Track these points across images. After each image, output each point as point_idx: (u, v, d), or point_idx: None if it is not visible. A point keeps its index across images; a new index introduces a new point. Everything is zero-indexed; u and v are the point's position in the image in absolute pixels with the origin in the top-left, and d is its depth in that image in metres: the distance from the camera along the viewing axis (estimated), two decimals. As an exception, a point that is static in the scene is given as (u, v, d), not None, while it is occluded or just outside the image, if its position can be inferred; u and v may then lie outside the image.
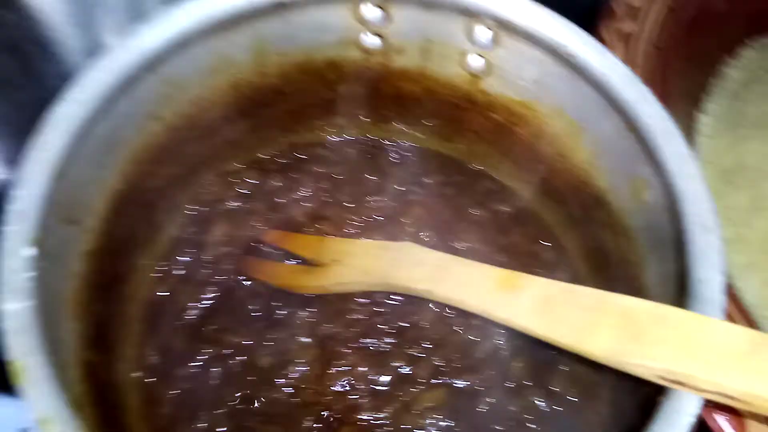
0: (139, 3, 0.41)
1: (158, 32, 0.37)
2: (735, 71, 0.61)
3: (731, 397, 0.26)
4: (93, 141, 0.38)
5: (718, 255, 0.30)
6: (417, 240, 0.47)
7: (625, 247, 0.42)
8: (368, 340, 0.45)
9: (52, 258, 0.36)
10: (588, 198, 0.45)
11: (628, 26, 0.53)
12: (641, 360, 0.28)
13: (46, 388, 0.29)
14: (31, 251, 0.31)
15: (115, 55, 0.37)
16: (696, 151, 0.56)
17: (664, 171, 0.34)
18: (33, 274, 0.31)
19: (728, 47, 0.60)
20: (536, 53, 0.41)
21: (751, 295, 0.47)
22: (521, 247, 0.49)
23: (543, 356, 0.45)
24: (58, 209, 0.36)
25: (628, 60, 0.53)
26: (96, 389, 0.38)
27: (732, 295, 0.44)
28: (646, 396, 0.36)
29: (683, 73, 0.56)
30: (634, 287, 0.41)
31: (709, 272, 0.30)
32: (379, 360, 0.44)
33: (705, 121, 0.57)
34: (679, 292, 0.31)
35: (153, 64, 0.39)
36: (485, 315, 0.35)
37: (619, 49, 0.53)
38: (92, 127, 0.37)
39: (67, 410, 0.28)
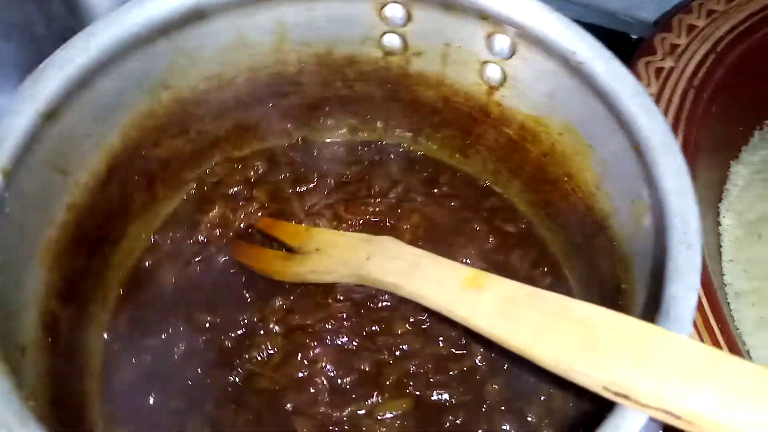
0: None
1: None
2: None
3: (676, 416, 0.23)
4: (95, 94, 0.38)
5: (695, 273, 0.28)
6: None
7: (621, 276, 0.39)
8: (339, 339, 0.44)
9: (31, 199, 0.36)
10: (591, 223, 0.43)
11: (666, 62, 0.51)
12: (588, 369, 0.25)
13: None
14: (-1, 179, 0.31)
15: (129, 12, 0.38)
16: (724, 201, 0.53)
17: (659, 188, 0.32)
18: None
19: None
20: (551, 65, 0.40)
21: (762, 353, 0.44)
22: (519, 271, 0.47)
23: (523, 381, 0.42)
24: (45, 152, 0.36)
25: (663, 97, 0.51)
26: (54, 340, 0.38)
27: (737, 351, 0.40)
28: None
29: (723, 120, 0.53)
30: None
31: (682, 290, 0.28)
32: (346, 359, 0.43)
33: (739, 171, 0.54)
34: (653, 308, 0.29)
35: (166, 29, 0.39)
36: (446, 313, 0.33)
37: (653, 85, 0.51)
38: (95, 79, 0.37)
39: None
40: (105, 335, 0.44)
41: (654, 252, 0.32)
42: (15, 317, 0.34)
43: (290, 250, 0.46)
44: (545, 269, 0.48)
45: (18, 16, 0.38)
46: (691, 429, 0.23)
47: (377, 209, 0.49)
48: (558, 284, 0.47)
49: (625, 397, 0.24)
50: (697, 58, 0.52)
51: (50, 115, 0.35)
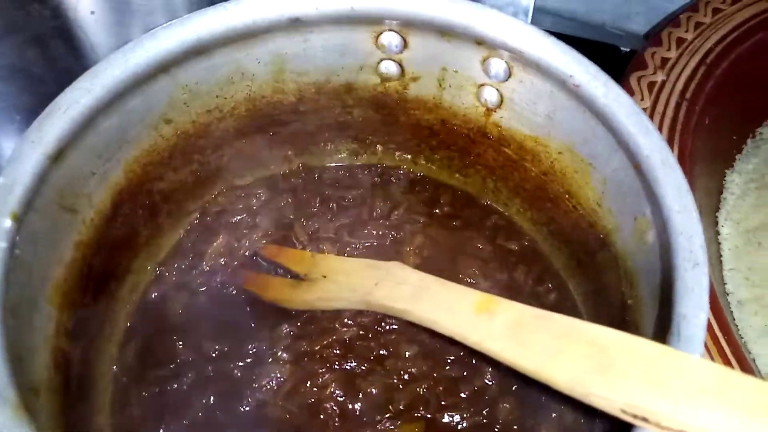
0: (172, 7, 0.43)
1: (175, 35, 0.38)
2: (771, 133, 0.59)
3: (695, 438, 0.23)
4: (98, 133, 0.39)
5: (704, 291, 0.28)
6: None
7: (627, 291, 0.40)
8: (347, 363, 0.44)
9: (40, 239, 0.36)
10: (594, 239, 0.43)
11: (657, 76, 0.52)
12: (605, 392, 0.26)
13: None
14: (7, 224, 0.32)
15: (129, 51, 0.38)
16: (722, 210, 0.53)
17: (662, 206, 0.32)
18: (4, 245, 0.31)
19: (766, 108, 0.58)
20: (548, 87, 0.41)
21: (766, 360, 0.44)
22: (524, 287, 0.48)
23: (533, 400, 0.42)
24: (53, 192, 0.36)
25: (657, 110, 0.52)
26: (65, 378, 0.38)
27: (742, 359, 0.41)
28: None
29: (716, 130, 0.54)
30: (632, 332, 0.38)
31: (693, 309, 0.28)
32: (356, 384, 0.43)
33: (735, 180, 0.55)
34: (662, 328, 0.29)
35: (167, 66, 0.40)
36: (458, 338, 0.33)
37: (647, 99, 0.52)
38: (98, 119, 0.38)
39: (6, 380, 0.28)
40: (114, 368, 0.45)
41: (661, 269, 0.33)
42: (28, 359, 0.35)
43: (297, 277, 0.46)
44: (550, 285, 0.48)
45: (19, 59, 0.38)
46: (709, 449, 0.23)
47: (380, 232, 0.50)
48: (563, 300, 0.48)
49: (644, 419, 0.25)
50: (688, 71, 0.53)
51: (57, 157, 0.35)
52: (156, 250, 0.49)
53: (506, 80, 0.43)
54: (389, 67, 0.46)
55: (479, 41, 0.41)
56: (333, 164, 0.53)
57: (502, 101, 0.45)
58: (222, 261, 0.49)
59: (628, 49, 0.60)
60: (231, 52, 0.43)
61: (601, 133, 0.39)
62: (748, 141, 0.58)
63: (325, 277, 0.42)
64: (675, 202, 0.31)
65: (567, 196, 0.44)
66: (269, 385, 0.44)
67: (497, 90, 0.44)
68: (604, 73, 0.36)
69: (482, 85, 0.44)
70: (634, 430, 0.26)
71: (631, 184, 0.38)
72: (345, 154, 0.53)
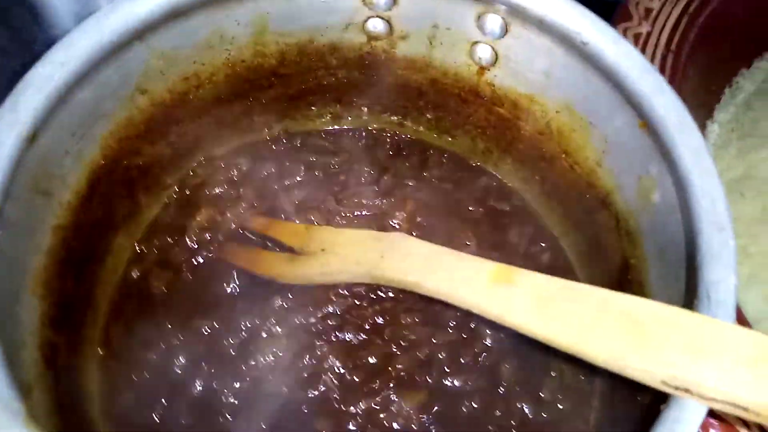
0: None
1: (150, -1, 0.35)
2: (748, 82, 0.59)
3: (743, 407, 0.23)
4: (72, 108, 0.35)
5: (731, 256, 0.28)
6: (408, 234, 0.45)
7: (629, 251, 0.40)
8: (343, 334, 0.43)
9: (17, 228, 0.33)
10: (592, 199, 0.43)
11: (643, 28, 0.51)
12: (644, 365, 0.26)
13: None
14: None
15: (103, 18, 0.35)
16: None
17: (678, 167, 0.32)
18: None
19: (744, 57, 0.58)
20: (547, 42, 0.39)
21: (752, 308, 0.45)
22: (518, 248, 0.47)
23: (533, 360, 0.43)
24: (26, 176, 0.33)
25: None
26: (54, 372, 0.36)
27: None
28: (642, 405, 0.34)
29: (697, 81, 0.54)
30: (635, 291, 0.39)
31: (722, 273, 0.28)
32: (354, 354, 0.42)
33: (715, 130, 0.55)
34: (689, 294, 0.29)
35: (143, 32, 0.37)
36: (476, 311, 0.32)
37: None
38: (72, 93, 0.35)
39: (10, 391, 0.26)
40: (100, 353, 0.42)
41: (677, 231, 0.32)
42: (17, 356, 0.32)
43: (290, 250, 0.44)
44: (543, 245, 0.48)
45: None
46: (759, 420, 0.23)
47: (369, 199, 0.48)
48: (557, 259, 0.47)
49: (686, 390, 0.24)
50: (672, 21, 0.52)
51: (32, 138, 0.32)
52: (134, 228, 0.46)
53: (502, 37, 0.41)
54: (377, 25, 0.44)
55: (475, -4, 0.39)
56: (316, 129, 0.51)
57: (496, 59, 0.43)
58: (206, 236, 0.47)
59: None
60: (210, 14, 0.40)
61: (605, 90, 0.38)
62: (726, 90, 0.58)
63: (323, 250, 0.40)
64: (695, 165, 0.31)
65: (564, 155, 0.44)
66: (265, 360, 0.42)
67: (491, 47, 0.42)
68: (613, 29, 0.35)
69: (476, 42, 0.43)
70: (673, 400, 0.26)
71: (636, 144, 0.37)
72: (328, 118, 0.51)
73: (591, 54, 0.36)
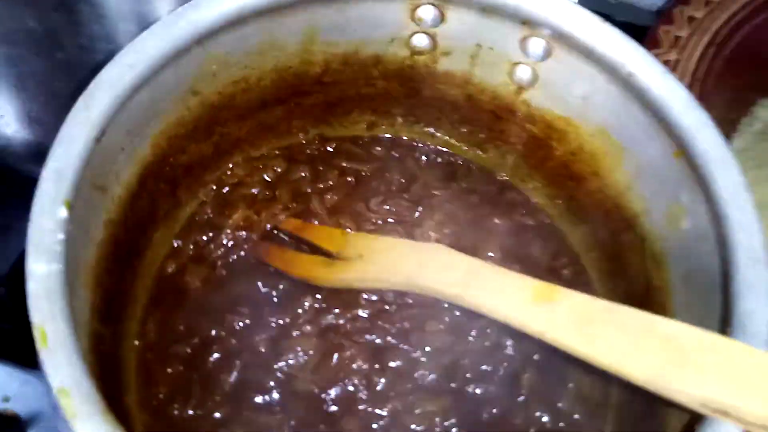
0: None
1: (217, 6, 0.36)
2: (765, 112, 0.61)
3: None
4: (133, 108, 0.37)
5: (766, 288, 0.30)
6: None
7: (653, 273, 0.41)
8: (372, 338, 0.44)
9: (78, 223, 0.34)
10: (619, 221, 0.44)
11: (671, 55, 0.53)
12: (684, 387, 0.27)
13: (67, 357, 0.27)
14: (64, 213, 0.30)
15: (171, 24, 0.36)
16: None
17: (715, 200, 0.34)
18: (62, 237, 0.30)
19: (763, 88, 0.60)
20: (588, 69, 0.41)
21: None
22: (540, 262, 0.49)
23: (552, 371, 0.44)
24: (90, 173, 0.35)
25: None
26: (101, 363, 0.37)
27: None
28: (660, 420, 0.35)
29: (718, 108, 0.55)
30: (657, 313, 0.40)
31: (756, 304, 0.30)
32: (381, 358, 0.44)
33: (734, 158, 0.57)
34: (723, 323, 0.31)
35: (204, 38, 0.38)
36: (518, 326, 0.34)
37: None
38: (135, 94, 0.36)
39: (88, 381, 0.27)
40: (136, 344, 0.44)
41: (708, 260, 0.34)
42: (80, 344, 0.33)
43: (325, 253, 0.46)
44: (565, 260, 0.49)
45: (44, 25, 0.36)
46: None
47: (399, 207, 0.50)
48: (579, 275, 0.49)
49: (725, 413, 0.26)
50: (699, 50, 0.54)
51: (99, 138, 0.33)
52: (173, 224, 0.47)
53: (544, 60, 0.43)
54: (421, 41, 0.45)
55: (525, 21, 0.41)
56: (351, 136, 0.52)
57: (535, 80, 0.44)
58: (241, 234, 0.48)
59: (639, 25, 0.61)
60: (265, 22, 0.41)
61: (643, 118, 0.39)
62: (743, 119, 0.60)
63: (361, 256, 0.42)
64: (733, 200, 0.32)
65: (593, 176, 0.45)
66: (296, 359, 0.44)
67: (532, 69, 0.44)
68: (659, 63, 0.36)
69: (517, 63, 0.44)
70: (707, 421, 0.27)
71: (669, 171, 0.39)
72: (363, 126, 0.52)
73: (635, 85, 0.37)
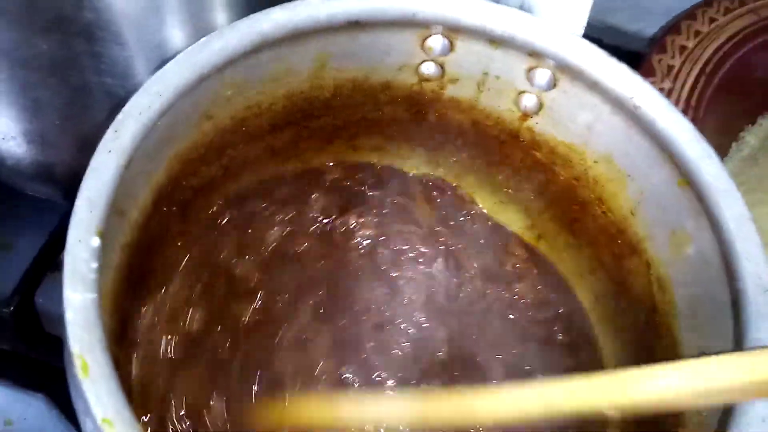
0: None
1: (238, 34, 0.37)
2: (753, 137, 0.63)
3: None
4: (154, 134, 0.37)
5: (776, 317, 0.32)
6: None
7: (658, 297, 0.43)
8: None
9: (103, 249, 0.35)
10: (623, 245, 0.46)
11: (665, 84, 0.55)
12: None
13: (108, 387, 0.27)
14: (96, 242, 0.30)
15: (197, 53, 0.37)
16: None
17: (721, 231, 0.35)
18: (96, 265, 0.30)
19: (751, 114, 0.63)
20: (593, 99, 0.42)
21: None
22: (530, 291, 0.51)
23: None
24: (115, 199, 0.35)
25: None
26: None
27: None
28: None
29: (709, 135, 0.57)
30: (662, 335, 0.42)
31: (766, 333, 0.31)
32: None
33: (724, 182, 0.59)
34: (736, 348, 0.32)
35: (225, 65, 0.38)
36: None
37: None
38: (158, 121, 0.36)
39: (128, 412, 0.27)
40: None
41: (714, 288, 0.36)
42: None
43: None
44: (569, 284, 0.51)
45: (65, 51, 0.36)
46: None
47: (411, 242, 0.51)
48: (582, 300, 0.50)
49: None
50: (691, 79, 0.56)
51: (128, 165, 0.34)
52: (183, 245, 0.47)
53: (549, 90, 0.44)
54: (430, 68, 0.46)
55: (533, 53, 0.42)
56: (355, 160, 0.53)
57: (540, 108, 0.46)
58: (248, 257, 0.48)
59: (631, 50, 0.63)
60: (280, 50, 0.42)
61: (647, 148, 0.41)
62: (733, 144, 0.62)
63: None
64: (738, 231, 0.34)
65: (597, 201, 0.47)
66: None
67: (537, 97, 0.45)
68: (663, 96, 0.38)
69: (523, 92, 0.46)
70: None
71: (673, 200, 0.40)
72: (367, 149, 0.53)
73: (642, 117, 0.39)
